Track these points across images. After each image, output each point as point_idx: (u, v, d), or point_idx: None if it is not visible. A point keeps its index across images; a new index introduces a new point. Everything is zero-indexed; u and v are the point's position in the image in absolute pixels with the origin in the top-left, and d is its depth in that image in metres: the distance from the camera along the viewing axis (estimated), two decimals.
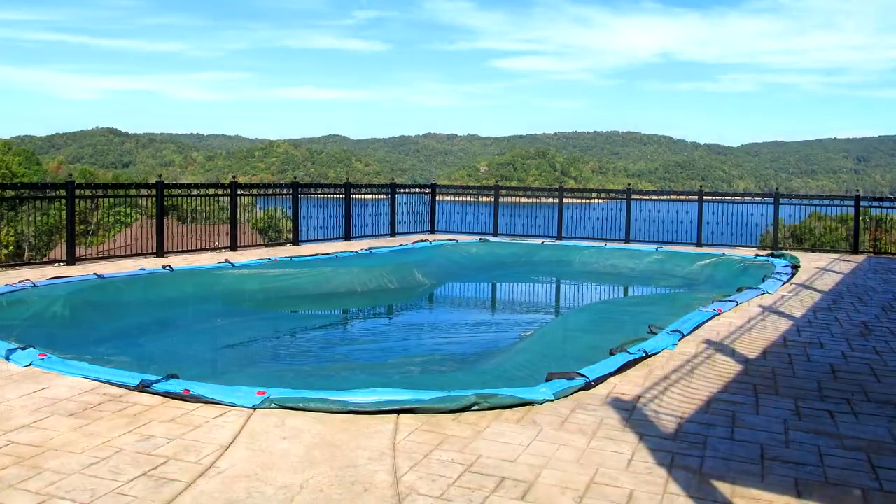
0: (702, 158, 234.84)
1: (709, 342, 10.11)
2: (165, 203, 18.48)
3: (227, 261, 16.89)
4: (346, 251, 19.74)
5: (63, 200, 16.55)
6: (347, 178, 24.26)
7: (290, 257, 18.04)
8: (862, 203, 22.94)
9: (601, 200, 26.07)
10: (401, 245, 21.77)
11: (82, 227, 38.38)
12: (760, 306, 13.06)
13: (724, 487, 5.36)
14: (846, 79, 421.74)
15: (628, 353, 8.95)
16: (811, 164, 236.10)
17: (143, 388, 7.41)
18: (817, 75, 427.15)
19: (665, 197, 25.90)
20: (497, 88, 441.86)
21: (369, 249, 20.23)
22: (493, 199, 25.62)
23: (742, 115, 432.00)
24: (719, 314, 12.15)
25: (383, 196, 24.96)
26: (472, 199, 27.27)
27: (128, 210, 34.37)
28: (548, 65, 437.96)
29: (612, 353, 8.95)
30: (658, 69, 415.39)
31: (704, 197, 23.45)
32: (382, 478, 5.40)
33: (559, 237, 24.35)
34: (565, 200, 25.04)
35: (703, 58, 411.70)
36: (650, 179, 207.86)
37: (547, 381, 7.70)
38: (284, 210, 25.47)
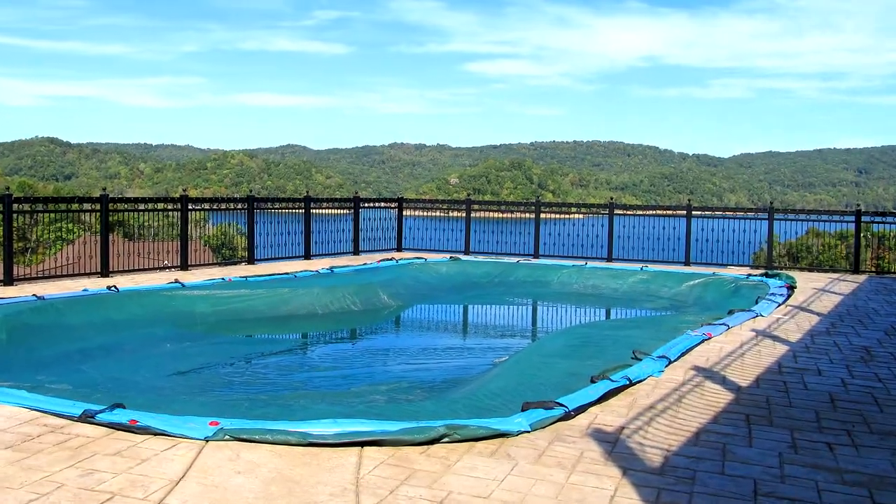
0: (690, 170, 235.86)
1: (698, 369, 10.16)
2: (110, 218, 18.44)
3: (177, 281, 16.85)
4: (305, 270, 19.73)
5: None
6: (307, 192, 24.31)
7: (245, 277, 18.02)
8: (863, 218, 23.05)
9: (581, 216, 26.16)
10: (365, 264, 21.77)
11: (20, 244, 38.12)
12: (753, 330, 13.13)
13: None
14: (846, 84, 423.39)
15: (610, 380, 8.96)
16: (808, 176, 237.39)
17: (87, 418, 7.39)
18: (815, 80, 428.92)
19: (650, 212, 26.03)
20: (469, 95, 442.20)
21: (331, 269, 20.23)
22: (464, 215, 25.69)
23: (733, 123, 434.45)
24: (709, 339, 12.20)
25: (346, 211, 24.97)
26: (441, 215, 27.24)
27: (70, 226, 34.24)
28: (523, 69, 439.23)
29: (593, 381, 8.96)
30: (643, 74, 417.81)
31: (693, 212, 23.56)
32: None
33: (536, 255, 24.42)
34: (543, 216, 25.12)
35: (691, 62, 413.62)
36: (634, 193, 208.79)
37: (523, 410, 7.70)
38: (239, 226, 25.40)
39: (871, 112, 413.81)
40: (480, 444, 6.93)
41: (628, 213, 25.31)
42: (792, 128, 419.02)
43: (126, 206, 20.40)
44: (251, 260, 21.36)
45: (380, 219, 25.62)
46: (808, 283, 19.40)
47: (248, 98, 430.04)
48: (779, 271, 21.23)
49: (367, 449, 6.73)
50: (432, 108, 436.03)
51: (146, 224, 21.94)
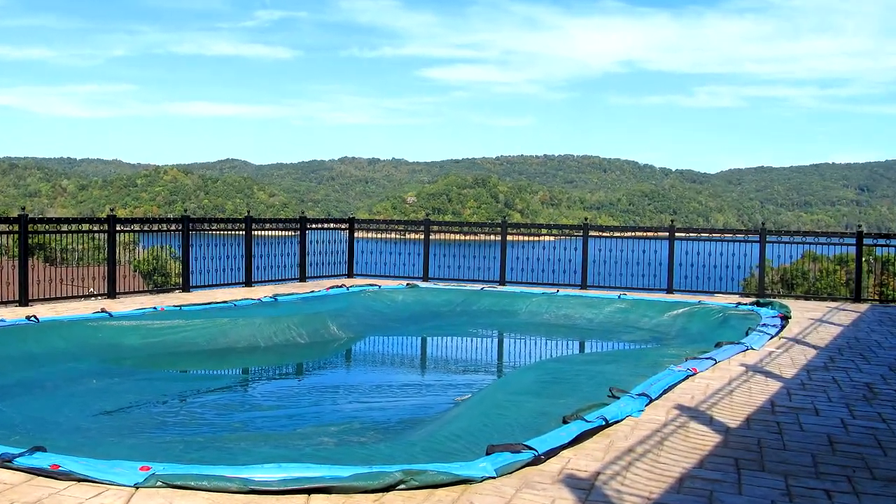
0: (673, 188, 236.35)
1: (682, 408, 10.20)
2: (30, 241, 18.35)
3: (103, 310, 16.78)
4: (246, 299, 19.72)
5: None
6: (248, 212, 24.27)
7: (180, 306, 17.99)
8: (865, 241, 23.15)
9: (553, 238, 26.24)
10: (312, 291, 21.78)
11: None
12: (743, 365, 13.19)
13: None
14: (846, 92, 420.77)
15: (585, 420, 8.99)
16: (804, 194, 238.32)
17: (3, 462, 7.35)
18: (812, 87, 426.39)
19: (629, 234, 26.14)
20: (427, 104, 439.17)
21: (274, 297, 20.20)
22: (422, 237, 25.68)
23: (722, 135, 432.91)
24: (694, 374, 12.24)
25: (291, 233, 24.94)
26: (398, 237, 27.29)
27: None
28: (488, 75, 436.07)
29: (565, 422, 8.99)
30: (621, 81, 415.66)
31: (676, 233, 23.67)
32: None
33: (502, 282, 24.47)
34: (510, 238, 25.17)
35: (674, 67, 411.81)
36: (611, 213, 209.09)
37: (487, 454, 7.71)
38: (173, 249, 25.36)
39: (873, 123, 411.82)
40: (440, 492, 6.93)
41: (605, 234, 25.35)
42: (786, 140, 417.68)
43: (47, 227, 20.33)
44: (186, 287, 21.31)
45: (329, 241, 25.61)
46: (803, 312, 19.49)
47: (182, 107, 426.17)
48: (771, 300, 21.32)
49: (314, 497, 6.72)
50: (387, 119, 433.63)
51: (69, 247, 21.85)
